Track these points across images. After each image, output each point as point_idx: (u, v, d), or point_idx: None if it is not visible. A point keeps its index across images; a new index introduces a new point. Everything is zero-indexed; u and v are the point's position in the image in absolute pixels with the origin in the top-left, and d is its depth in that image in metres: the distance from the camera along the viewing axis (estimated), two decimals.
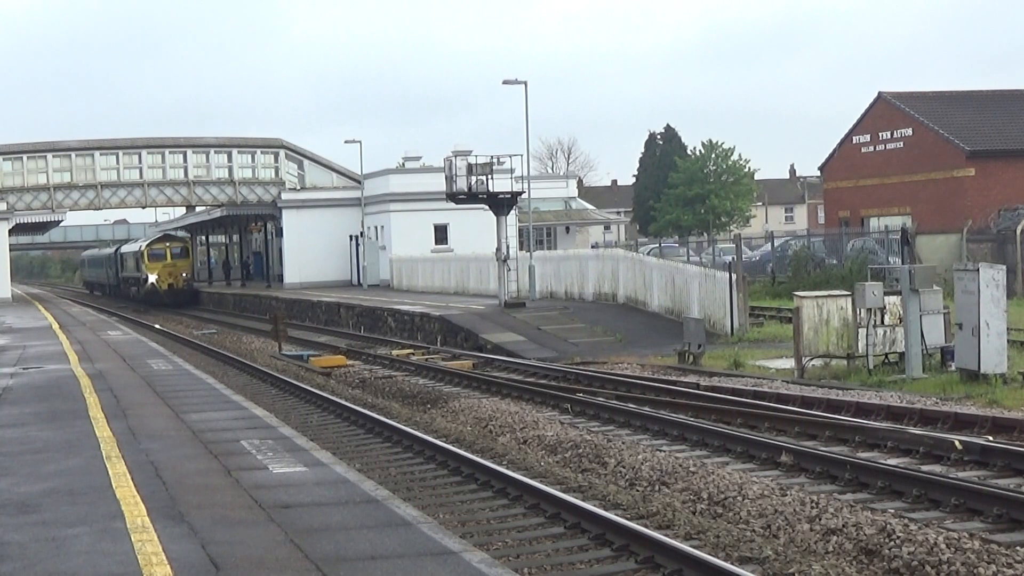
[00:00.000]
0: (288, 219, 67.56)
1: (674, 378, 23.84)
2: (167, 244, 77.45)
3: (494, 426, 18.87)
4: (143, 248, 77.19)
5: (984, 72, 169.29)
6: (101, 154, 67.71)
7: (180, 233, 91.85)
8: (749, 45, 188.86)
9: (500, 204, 38.99)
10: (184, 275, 75.48)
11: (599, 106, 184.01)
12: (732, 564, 10.05)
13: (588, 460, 15.53)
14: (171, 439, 14.48)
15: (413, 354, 32.59)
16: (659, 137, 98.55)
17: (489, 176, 38.62)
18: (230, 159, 69.47)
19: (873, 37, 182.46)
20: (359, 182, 66.45)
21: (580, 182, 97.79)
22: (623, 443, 16.10)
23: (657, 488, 13.69)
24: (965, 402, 19.28)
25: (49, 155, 67.19)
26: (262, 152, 70.22)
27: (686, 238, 76.49)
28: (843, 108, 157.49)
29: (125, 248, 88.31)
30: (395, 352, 33.48)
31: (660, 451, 15.49)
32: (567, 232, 72.10)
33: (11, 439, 14.77)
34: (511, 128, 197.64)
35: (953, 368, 22.12)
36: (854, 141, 61.25)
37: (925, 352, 22.69)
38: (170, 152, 68.88)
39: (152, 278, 73.97)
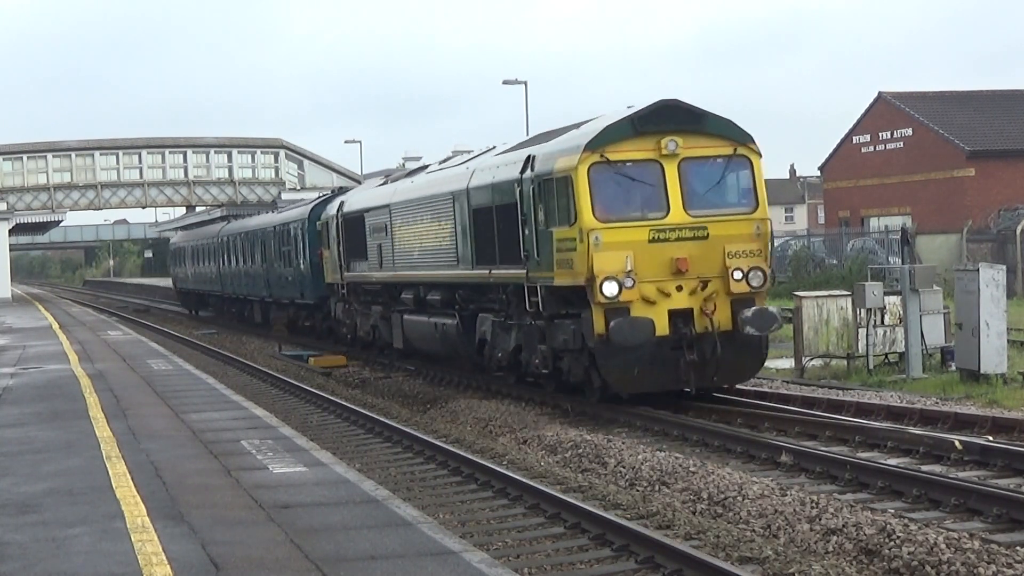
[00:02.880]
0: None
1: None
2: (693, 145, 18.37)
3: (494, 426, 18.88)
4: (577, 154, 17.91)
5: (984, 72, 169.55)
6: (101, 154, 67.76)
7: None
8: (748, 45, 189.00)
9: None
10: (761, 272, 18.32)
11: (599, 106, 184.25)
12: (732, 564, 10.05)
13: (588, 460, 15.52)
14: (171, 439, 14.49)
15: None
16: None
17: None
18: (230, 159, 69.53)
19: (873, 37, 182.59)
20: (359, 182, 66.46)
21: None
22: (623, 443, 16.09)
23: (657, 488, 13.69)
24: (965, 402, 19.28)
25: (49, 155, 67.24)
26: (262, 152, 70.31)
27: None
28: (843, 108, 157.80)
29: (397, 191, 26.95)
30: None
31: (660, 451, 15.48)
32: None
33: (11, 439, 14.78)
34: (511, 128, 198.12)
35: (953, 368, 22.11)
36: (854, 141, 61.23)
37: (925, 352, 22.68)
38: (170, 152, 68.94)
39: (605, 291, 17.59)
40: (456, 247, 22.68)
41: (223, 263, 48.49)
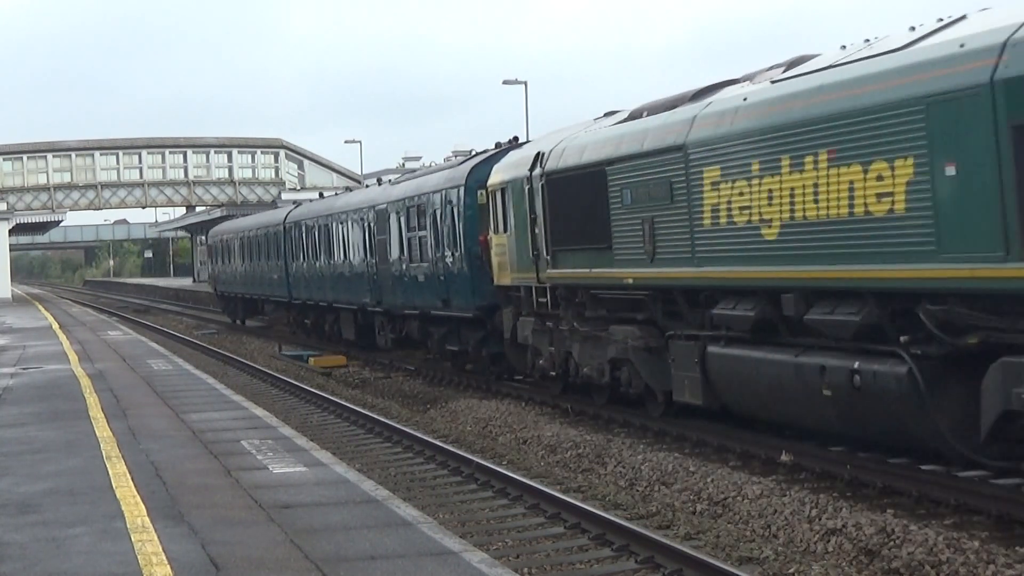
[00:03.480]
0: None
1: None
2: None
3: (494, 426, 18.88)
4: None
5: None
6: (101, 154, 67.86)
7: None
8: (746, 44, 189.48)
9: None
10: None
11: (598, 105, 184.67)
12: (732, 564, 10.07)
13: (588, 460, 15.53)
14: (171, 439, 14.49)
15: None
16: None
17: None
18: (230, 159, 69.65)
19: (869, 35, 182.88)
20: (359, 182, 66.51)
21: None
22: (623, 443, 16.10)
23: (657, 488, 13.69)
24: None
25: (49, 155, 67.34)
26: (262, 152, 70.45)
27: None
28: None
29: (701, 117, 15.00)
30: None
31: (660, 451, 15.48)
32: None
33: (11, 439, 14.78)
34: (511, 127, 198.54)
35: None
36: None
37: None
38: (170, 152, 69.06)
39: None
40: (935, 215, 11.29)
41: (291, 259, 37.44)
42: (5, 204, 64.78)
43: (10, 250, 72.58)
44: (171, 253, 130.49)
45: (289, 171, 70.04)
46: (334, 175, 70.32)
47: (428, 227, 24.97)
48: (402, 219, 26.73)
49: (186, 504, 10.50)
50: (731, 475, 13.47)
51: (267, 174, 69.94)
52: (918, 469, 12.95)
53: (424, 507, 12.15)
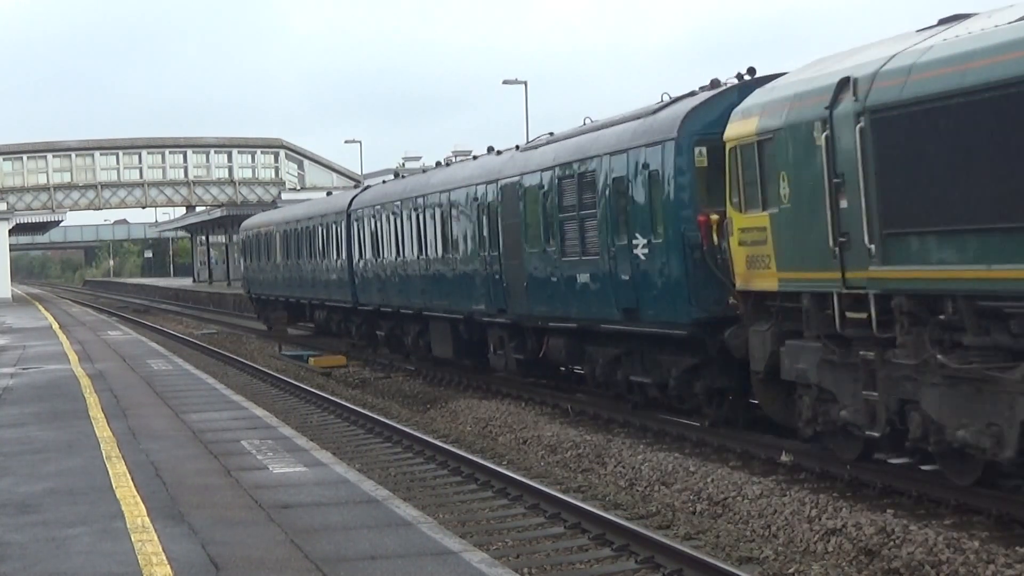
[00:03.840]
0: None
1: None
2: None
3: (494, 426, 18.88)
4: None
5: None
6: (101, 154, 67.92)
7: None
8: (745, 44, 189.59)
9: None
10: None
11: (598, 105, 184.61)
12: (732, 564, 10.07)
13: (588, 460, 15.53)
14: (171, 439, 14.49)
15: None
16: None
17: None
18: (230, 159, 69.72)
19: (870, 36, 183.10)
20: (359, 182, 66.53)
21: None
22: (623, 443, 16.10)
23: (657, 488, 13.69)
24: None
25: (49, 155, 67.40)
26: (262, 152, 70.51)
27: None
28: None
29: None
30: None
31: (660, 451, 15.48)
32: None
33: (11, 439, 14.78)
34: (511, 127, 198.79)
35: None
36: None
37: None
38: (170, 152, 69.13)
39: None
40: None
41: (359, 255, 30.58)
42: (5, 204, 64.81)
43: (10, 250, 72.65)
44: (171, 253, 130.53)
45: (289, 171, 70.13)
46: (334, 175, 70.39)
47: (600, 205, 17.84)
48: (548, 196, 19.56)
49: (186, 504, 10.49)
50: (731, 475, 13.47)
51: (267, 174, 70.04)
52: (918, 469, 12.96)
53: (424, 507, 12.15)
